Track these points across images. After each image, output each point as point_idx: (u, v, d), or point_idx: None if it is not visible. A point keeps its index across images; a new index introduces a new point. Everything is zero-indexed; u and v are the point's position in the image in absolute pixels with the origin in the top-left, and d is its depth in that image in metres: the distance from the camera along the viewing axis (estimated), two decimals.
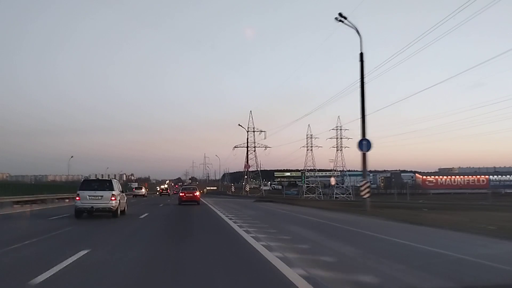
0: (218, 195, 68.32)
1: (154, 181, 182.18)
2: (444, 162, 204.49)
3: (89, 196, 15.51)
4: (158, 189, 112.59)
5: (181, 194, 27.86)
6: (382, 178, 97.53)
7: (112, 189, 15.93)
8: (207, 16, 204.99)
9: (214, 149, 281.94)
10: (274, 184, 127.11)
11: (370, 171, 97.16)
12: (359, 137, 20.25)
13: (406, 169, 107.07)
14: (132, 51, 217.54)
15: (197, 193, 28.11)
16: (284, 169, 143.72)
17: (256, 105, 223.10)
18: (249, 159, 77.47)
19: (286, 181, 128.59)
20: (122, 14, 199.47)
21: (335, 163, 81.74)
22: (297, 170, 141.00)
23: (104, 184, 16.34)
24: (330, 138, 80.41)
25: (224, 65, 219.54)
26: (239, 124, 72.70)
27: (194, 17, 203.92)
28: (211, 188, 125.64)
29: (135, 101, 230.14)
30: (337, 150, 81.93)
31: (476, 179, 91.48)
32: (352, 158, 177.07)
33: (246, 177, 77.88)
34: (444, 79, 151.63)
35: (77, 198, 15.70)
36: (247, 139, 77.76)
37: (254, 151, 78.57)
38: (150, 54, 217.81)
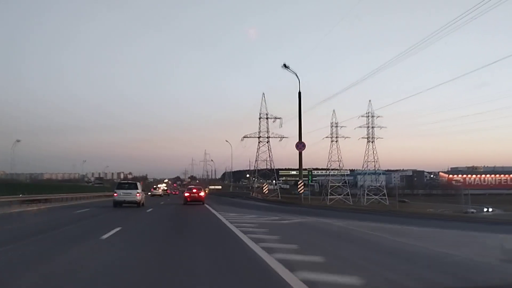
0: (233, 198, 49.21)
1: (152, 180, 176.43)
2: (451, 162, 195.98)
3: (122, 193, 23.17)
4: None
5: (186, 194, 28.51)
6: (402, 177, 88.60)
7: (137, 189, 23.60)
8: (209, 17, 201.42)
9: (215, 148, 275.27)
10: (280, 183, 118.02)
11: (388, 170, 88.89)
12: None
13: (410, 169, 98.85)
14: (137, 51, 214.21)
15: (202, 194, 28.68)
16: (288, 168, 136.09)
17: (258, 103, 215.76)
18: (260, 151, 64.33)
19: (292, 179, 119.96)
20: (127, 15, 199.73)
21: (366, 157, 67.44)
22: (304, 169, 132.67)
23: (132, 185, 24.20)
24: (359, 127, 65.77)
25: (227, 64, 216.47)
26: (283, 68, 36.29)
27: (197, 18, 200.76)
28: (216, 187, 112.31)
29: (138, 100, 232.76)
30: (368, 142, 66.91)
31: (509, 178, 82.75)
32: (384, 152, 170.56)
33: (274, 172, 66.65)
34: (450, 78, 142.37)
35: (115, 194, 23.44)
36: (259, 127, 64.46)
37: (268, 142, 64.90)
38: (153, 54, 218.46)
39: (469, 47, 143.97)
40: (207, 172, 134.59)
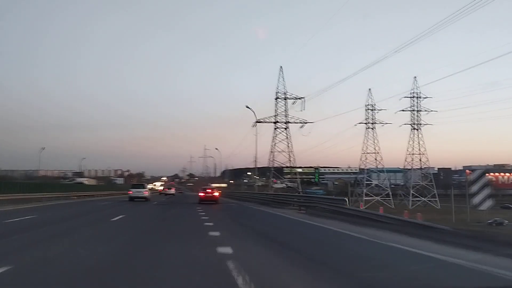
0: (275, 207, 24.20)
1: (149, 177, 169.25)
2: (460, 161, 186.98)
3: (135, 191, 31.10)
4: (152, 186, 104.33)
5: (201, 194, 29.18)
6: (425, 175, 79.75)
7: (145, 188, 32.60)
8: (217, 17, 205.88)
9: (217, 145, 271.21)
10: (285, 182, 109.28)
11: (406, 169, 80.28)
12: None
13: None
14: (146, 50, 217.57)
15: (216, 194, 29.52)
16: (291, 166, 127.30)
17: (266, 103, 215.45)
18: (277, 140, 50.38)
19: (298, 178, 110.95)
20: (137, 16, 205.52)
21: (411, 149, 55.07)
22: (309, 167, 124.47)
23: (142, 186, 34.15)
24: (402, 110, 53.41)
25: (234, 63, 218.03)
26: None
27: (205, 19, 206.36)
28: (220, 185, 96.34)
29: (147, 98, 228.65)
30: (412, 129, 54.73)
31: None
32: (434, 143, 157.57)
33: None
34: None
35: (130, 192, 31.23)
36: (275, 110, 50.24)
37: (286, 128, 50.98)
38: (162, 53, 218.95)
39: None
40: (207, 167, 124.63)
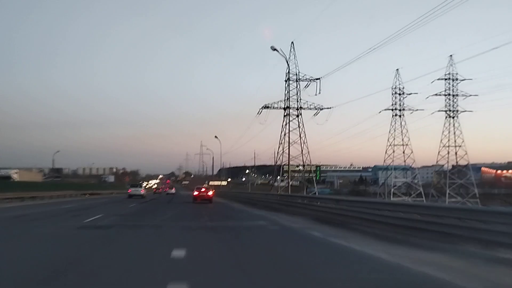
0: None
1: (144, 176, 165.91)
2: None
3: (133, 189, 38.93)
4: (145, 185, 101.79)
5: (195, 193, 29.28)
6: (438, 173, 74.85)
7: (142, 187, 41.56)
8: (224, 22, 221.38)
9: (217, 145, 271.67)
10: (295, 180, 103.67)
11: (411, 167, 75.19)
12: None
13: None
14: (164, 54, 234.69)
15: (210, 193, 30.00)
16: (303, 163, 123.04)
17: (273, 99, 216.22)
18: (289, 129, 41.81)
19: (299, 176, 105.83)
20: (155, 22, 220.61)
21: (447, 141, 47.11)
22: (309, 164, 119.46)
23: (139, 185, 43.12)
24: (435, 94, 45.79)
25: (244, 64, 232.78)
26: None
27: (214, 23, 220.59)
28: (220, 183, 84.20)
29: (148, 97, 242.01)
30: (447, 117, 47.21)
31: None
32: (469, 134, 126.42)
33: None
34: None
35: (129, 190, 39.09)
36: (286, 94, 41.79)
37: (298, 115, 42.79)
38: (177, 56, 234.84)
39: None
40: (203, 163, 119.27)
